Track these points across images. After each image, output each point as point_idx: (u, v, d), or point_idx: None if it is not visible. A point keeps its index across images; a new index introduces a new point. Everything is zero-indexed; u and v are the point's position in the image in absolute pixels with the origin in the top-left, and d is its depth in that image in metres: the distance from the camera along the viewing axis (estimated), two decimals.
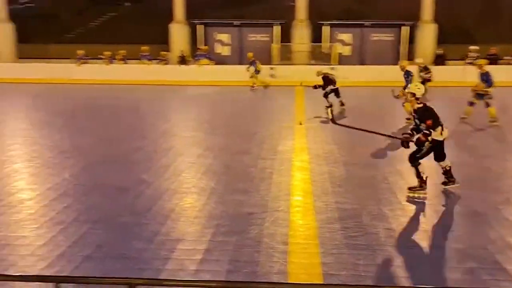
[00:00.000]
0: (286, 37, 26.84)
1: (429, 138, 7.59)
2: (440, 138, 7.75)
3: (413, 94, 7.86)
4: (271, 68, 23.50)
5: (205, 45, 26.72)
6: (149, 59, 25.31)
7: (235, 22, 27.36)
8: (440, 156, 7.91)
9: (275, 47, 26.41)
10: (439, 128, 7.66)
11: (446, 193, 7.97)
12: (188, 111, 16.80)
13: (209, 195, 7.83)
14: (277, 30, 26.84)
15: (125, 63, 25.23)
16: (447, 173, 8.05)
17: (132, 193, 7.94)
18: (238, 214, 7.02)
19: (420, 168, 7.79)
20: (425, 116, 7.67)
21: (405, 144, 7.90)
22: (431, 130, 7.56)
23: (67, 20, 32.19)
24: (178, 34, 27.35)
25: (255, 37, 27.41)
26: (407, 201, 7.63)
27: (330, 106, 12.84)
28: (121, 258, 5.69)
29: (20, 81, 23.43)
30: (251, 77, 21.35)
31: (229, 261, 5.60)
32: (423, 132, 7.60)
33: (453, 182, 8.06)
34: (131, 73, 24.23)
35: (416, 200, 7.65)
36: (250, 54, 22.01)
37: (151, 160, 10.03)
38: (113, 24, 31.07)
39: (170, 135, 12.75)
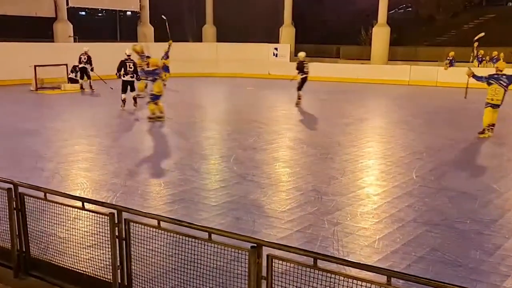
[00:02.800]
0: None
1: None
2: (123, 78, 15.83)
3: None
4: None
5: None
6: None
7: None
8: (131, 89, 16.11)
9: None
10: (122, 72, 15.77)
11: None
12: None
13: None
14: None
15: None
16: (135, 99, 16.23)
17: (479, 201, 7.56)
18: None
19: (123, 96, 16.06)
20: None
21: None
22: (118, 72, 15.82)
23: (441, 23, 32.28)
24: None
25: None
26: None
27: None
28: (455, 265, 5.50)
29: (388, 82, 24.80)
30: None
31: None
32: None
33: (136, 104, 16.35)
34: None
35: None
36: None
37: (505, 168, 9.31)
38: (490, 26, 29.71)
39: None
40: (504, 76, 11.97)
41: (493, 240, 6.14)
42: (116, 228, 4.32)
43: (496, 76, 12.04)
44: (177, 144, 11.73)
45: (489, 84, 12.04)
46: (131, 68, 15.80)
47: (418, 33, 31.16)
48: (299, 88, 17.38)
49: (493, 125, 12.19)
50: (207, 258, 3.93)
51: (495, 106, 12.05)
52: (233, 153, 10.45)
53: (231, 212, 7.02)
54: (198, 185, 8.29)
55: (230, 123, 14.75)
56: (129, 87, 15.98)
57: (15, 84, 21.69)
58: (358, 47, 31.03)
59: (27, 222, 5.02)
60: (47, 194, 4.87)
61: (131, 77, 15.85)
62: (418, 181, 8.57)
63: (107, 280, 4.52)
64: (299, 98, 17.37)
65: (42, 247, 5.04)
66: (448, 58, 24.78)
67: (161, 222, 4.17)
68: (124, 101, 16.05)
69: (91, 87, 20.62)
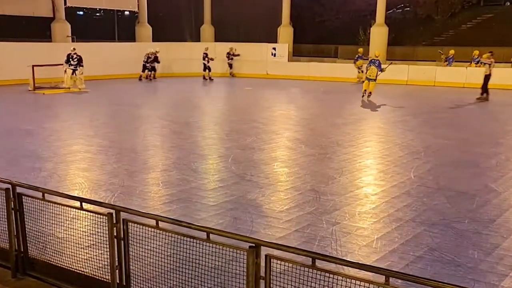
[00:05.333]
0: None
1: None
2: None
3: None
4: None
5: None
6: None
7: None
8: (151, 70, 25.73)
9: None
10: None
11: None
12: None
13: None
14: None
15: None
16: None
17: (477, 201, 7.56)
18: None
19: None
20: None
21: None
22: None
23: (439, 23, 32.31)
24: None
25: None
26: None
27: None
28: (454, 265, 5.50)
29: (386, 82, 24.76)
30: None
31: None
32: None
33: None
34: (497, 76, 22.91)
35: None
36: None
37: (503, 168, 9.31)
38: (487, 26, 29.75)
39: None
40: (377, 61, 18.32)
41: (491, 240, 6.14)
42: (115, 228, 4.32)
43: (373, 60, 18.51)
44: (175, 144, 11.72)
45: (369, 66, 18.40)
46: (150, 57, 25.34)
47: (416, 33, 31.18)
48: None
49: (370, 93, 18.56)
50: (206, 258, 3.92)
51: (370, 80, 18.46)
52: (231, 153, 10.44)
53: (229, 212, 7.02)
54: (196, 185, 8.29)
55: (228, 123, 14.75)
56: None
57: (13, 84, 21.66)
58: (356, 47, 31.05)
59: (25, 222, 5.01)
60: (45, 194, 4.87)
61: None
62: (416, 181, 8.57)
63: (105, 280, 4.52)
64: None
65: (40, 247, 5.03)
66: (447, 56, 24.77)
67: (159, 222, 4.17)
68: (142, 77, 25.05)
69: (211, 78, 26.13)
